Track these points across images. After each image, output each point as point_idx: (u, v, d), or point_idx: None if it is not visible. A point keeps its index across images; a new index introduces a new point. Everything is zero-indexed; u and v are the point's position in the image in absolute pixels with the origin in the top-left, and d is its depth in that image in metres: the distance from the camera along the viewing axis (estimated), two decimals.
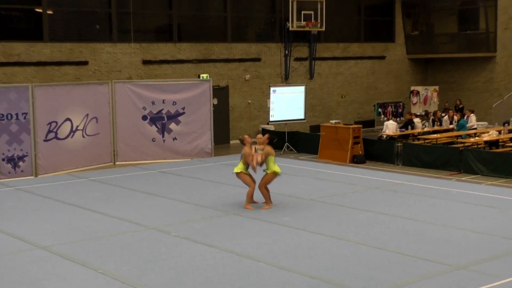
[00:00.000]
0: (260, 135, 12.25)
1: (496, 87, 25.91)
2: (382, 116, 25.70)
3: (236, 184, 13.43)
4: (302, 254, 9.22)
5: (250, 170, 11.98)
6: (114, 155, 18.08)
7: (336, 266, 8.66)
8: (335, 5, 24.72)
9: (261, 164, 11.88)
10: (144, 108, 18.25)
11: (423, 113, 23.93)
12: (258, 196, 12.25)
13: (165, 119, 18.45)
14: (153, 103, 18.30)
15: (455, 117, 21.46)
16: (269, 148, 11.91)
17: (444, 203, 12.47)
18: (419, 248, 9.42)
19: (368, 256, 9.09)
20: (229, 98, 22.69)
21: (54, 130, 16.50)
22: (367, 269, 8.53)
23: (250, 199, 12.06)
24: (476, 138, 18.95)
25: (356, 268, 8.57)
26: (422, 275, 8.24)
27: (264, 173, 12.03)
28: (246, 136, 12.23)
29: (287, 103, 20.47)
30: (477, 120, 21.50)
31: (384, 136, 19.64)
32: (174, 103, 18.46)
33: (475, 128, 20.52)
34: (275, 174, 11.90)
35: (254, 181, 12.05)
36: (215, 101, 21.49)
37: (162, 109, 18.40)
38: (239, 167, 11.89)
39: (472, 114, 20.88)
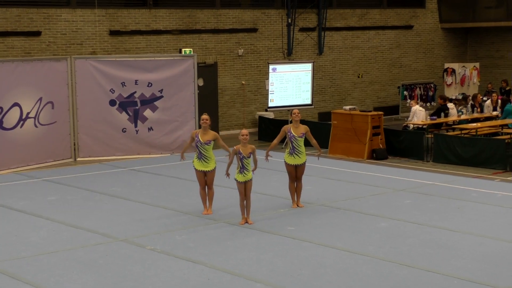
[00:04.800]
0: (295, 111, 12.54)
1: None
2: (409, 100, 25.69)
3: (227, 185, 13.41)
4: (309, 272, 9.21)
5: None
6: (74, 149, 18.04)
7: (353, 287, 8.64)
8: None
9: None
10: (112, 91, 18.21)
11: (460, 97, 23.93)
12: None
13: (139, 104, 18.42)
14: (123, 84, 18.25)
15: (500, 102, 21.46)
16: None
17: (486, 209, 12.47)
18: (456, 265, 9.42)
19: (392, 274, 9.08)
20: (218, 78, 22.65)
21: None
22: None
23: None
24: None
25: None
26: None
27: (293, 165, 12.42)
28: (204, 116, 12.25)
29: (290, 85, 20.43)
30: None
31: (411, 126, 19.64)
32: (150, 85, 18.41)
33: None
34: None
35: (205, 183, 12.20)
36: (201, 82, 21.46)
37: (135, 92, 18.36)
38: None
39: None
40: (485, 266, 9.40)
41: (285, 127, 12.50)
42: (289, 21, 23.79)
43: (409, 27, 27.16)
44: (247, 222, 11.52)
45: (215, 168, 12.11)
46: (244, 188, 11.41)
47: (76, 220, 11.94)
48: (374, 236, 10.82)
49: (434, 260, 9.62)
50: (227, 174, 11.67)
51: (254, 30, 23.29)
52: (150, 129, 18.49)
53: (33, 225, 11.70)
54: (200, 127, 12.37)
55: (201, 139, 11.93)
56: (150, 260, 9.75)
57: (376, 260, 9.66)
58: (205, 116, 12.12)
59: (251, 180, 11.47)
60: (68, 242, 10.68)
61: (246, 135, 11.41)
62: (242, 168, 11.38)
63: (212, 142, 12.01)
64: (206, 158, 11.98)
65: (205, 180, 12.10)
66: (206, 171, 12.03)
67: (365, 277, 8.99)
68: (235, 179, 11.47)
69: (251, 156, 11.44)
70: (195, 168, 12.09)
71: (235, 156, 11.45)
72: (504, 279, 8.88)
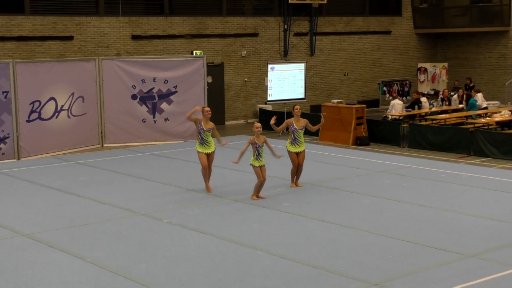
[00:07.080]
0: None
1: (510, 64, 25.84)
2: (388, 95, 25.66)
3: (232, 167, 13.42)
4: (303, 242, 9.21)
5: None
6: (101, 136, 18.03)
7: (340, 255, 8.66)
8: None
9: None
10: (134, 87, 18.17)
11: (432, 92, 23.86)
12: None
13: (156, 98, 18.38)
14: (143, 81, 18.21)
15: (465, 96, 21.40)
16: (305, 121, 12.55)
17: (453, 188, 12.47)
18: (427, 236, 9.42)
19: (373, 244, 9.09)
20: (224, 76, 22.59)
21: (38, 110, 16.42)
22: (372, 258, 8.53)
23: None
24: (487, 118, 18.92)
25: (360, 257, 8.57)
26: (430, 264, 8.24)
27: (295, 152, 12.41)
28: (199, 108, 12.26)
29: (286, 82, 20.40)
30: (489, 99, 21.43)
31: (390, 117, 19.61)
32: (166, 81, 18.37)
33: (486, 108, 20.49)
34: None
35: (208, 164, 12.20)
36: (210, 79, 21.41)
37: (153, 88, 18.32)
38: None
39: (478, 94, 20.86)
40: (452, 236, 9.41)
41: (288, 121, 12.54)
42: (285, 27, 23.70)
43: (388, 32, 27.04)
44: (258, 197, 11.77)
45: (215, 150, 12.26)
46: (261, 171, 11.58)
47: (103, 197, 11.95)
48: (358, 211, 10.82)
49: (409, 231, 9.63)
50: (237, 161, 11.65)
51: (255, 34, 23.20)
52: (166, 119, 18.46)
53: (67, 201, 11.71)
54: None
55: (204, 127, 12.05)
56: (167, 231, 9.76)
57: (359, 231, 9.67)
58: (208, 109, 12.26)
59: (264, 165, 11.65)
60: (97, 216, 10.70)
61: (260, 128, 11.65)
62: (258, 156, 11.57)
63: (211, 130, 12.13)
64: (207, 143, 12.11)
65: (207, 160, 12.15)
66: (208, 152, 12.16)
67: (350, 246, 9.00)
68: (252, 165, 11.63)
69: (264, 145, 11.61)
70: (199, 152, 12.14)
71: (250, 145, 11.54)
72: (468, 247, 8.90)
